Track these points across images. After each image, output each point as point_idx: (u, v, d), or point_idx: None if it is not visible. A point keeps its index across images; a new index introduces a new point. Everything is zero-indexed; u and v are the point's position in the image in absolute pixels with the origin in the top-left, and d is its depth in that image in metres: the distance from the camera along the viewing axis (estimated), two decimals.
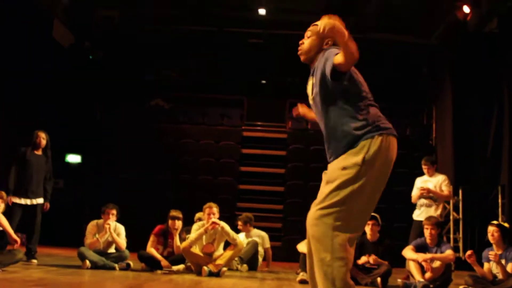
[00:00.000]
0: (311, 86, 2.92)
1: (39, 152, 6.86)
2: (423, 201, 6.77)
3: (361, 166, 2.62)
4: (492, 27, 9.76)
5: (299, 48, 2.98)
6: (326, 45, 2.89)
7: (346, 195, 2.61)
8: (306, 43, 2.96)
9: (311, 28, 2.96)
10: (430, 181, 6.83)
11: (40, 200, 6.77)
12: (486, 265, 5.54)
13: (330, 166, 2.81)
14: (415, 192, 6.88)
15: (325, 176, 2.80)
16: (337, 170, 2.68)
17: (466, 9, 10.05)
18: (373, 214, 6.22)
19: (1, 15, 8.78)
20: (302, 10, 10.73)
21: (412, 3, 11.10)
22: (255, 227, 8.03)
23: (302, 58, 2.98)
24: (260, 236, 7.79)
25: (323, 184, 2.76)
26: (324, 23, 2.49)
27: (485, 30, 10.06)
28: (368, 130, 2.69)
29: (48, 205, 6.92)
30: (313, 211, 2.69)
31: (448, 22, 10.83)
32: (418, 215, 6.77)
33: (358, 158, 2.63)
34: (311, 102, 2.96)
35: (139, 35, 12.49)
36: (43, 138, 6.86)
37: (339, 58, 2.53)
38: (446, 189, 6.79)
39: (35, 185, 6.72)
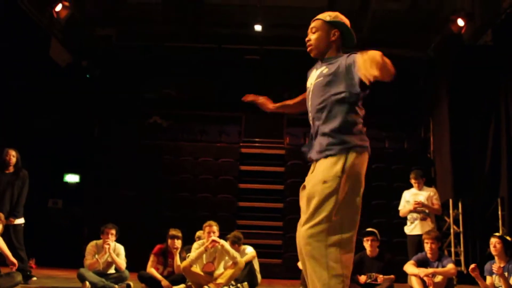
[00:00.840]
0: (319, 73, 2.92)
1: (10, 171, 6.69)
2: (415, 215, 6.73)
3: (341, 178, 2.64)
4: (487, 40, 9.82)
5: (308, 44, 2.98)
6: (334, 36, 2.93)
7: (332, 209, 2.61)
8: (313, 38, 2.96)
9: (314, 23, 2.98)
10: (421, 195, 6.79)
11: (17, 221, 6.57)
12: (488, 278, 5.50)
13: (309, 178, 2.83)
14: (404, 206, 6.85)
15: (304, 191, 2.82)
16: (318, 185, 2.67)
17: (460, 22, 10.14)
18: (371, 229, 6.21)
19: None
20: (298, 25, 10.76)
21: (408, 16, 11.20)
22: (254, 244, 7.89)
23: (313, 53, 2.99)
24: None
25: (304, 201, 2.77)
26: (364, 64, 2.50)
27: (480, 43, 10.12)
28: (352, 142, 2.73)
29: (12, 220, 6.52)
30: (304, 231, 2.68)
31: (444, 35, 10.91)
32: (412, 229, 6.74)
33: (338, 169, 2.66)
34: (310, 86, 2.96)
35: (136, 53, 12.54)
36: (12, 155, 6.64)
37: (373, 71, 2.50)
38: (436, 203, 6.78)
39: (7, 205, 6.50)
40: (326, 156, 2.74)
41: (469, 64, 9.87)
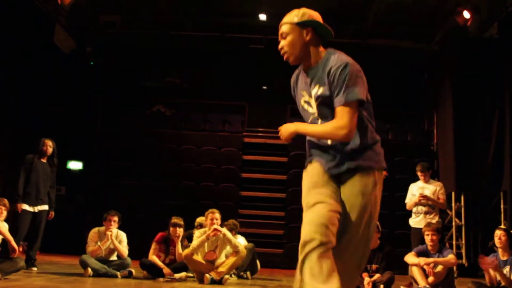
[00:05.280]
0: (314, 94, 2.68)
1: (45, 160, 6.89)
2: (420, 208, 6.72)
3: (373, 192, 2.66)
4: (493, 33, 9.77)
5: (282, 53, 2.72)
6: (307, 36, 2.66)
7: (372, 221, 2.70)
8: (285, 45, 2.69)
9: (283, 28, 2.70)
10: (427, 188, 6.77)
11: (45, 207, 6.79)
12: (491, 271, 5.52)
13: (345, 188, 2.70)
14: (410, 199, 6.85)
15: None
16: (359, 196, 2.64)
17: (466, 14, 10.08)
18: None
19: (3, 19, 8.78)
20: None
21: (412, 9, 11.13)
22: (256, 233, 7.95)
23: (291, 60, 2.73)
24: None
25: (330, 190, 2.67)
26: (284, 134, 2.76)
27: (485, 36, 10.07)
28: (379, 159, 2.72)
29: (52, 214, 6.97)
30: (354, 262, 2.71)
31: (449, 27, 10.85)
32: (417, 222, 6.74)
33: (371, 184, 2.65)
34: (311, 101, 2.73)
35: (140, 41, 12.52)
36: (49, 146, 6.91)
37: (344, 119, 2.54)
38: (442, 198, 6.77)
39: (41, 192, 6.75)
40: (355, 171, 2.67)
41: (474, 57, 9.85)
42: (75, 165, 11.92)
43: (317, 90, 2.66)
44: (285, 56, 2.71)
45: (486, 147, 9.46)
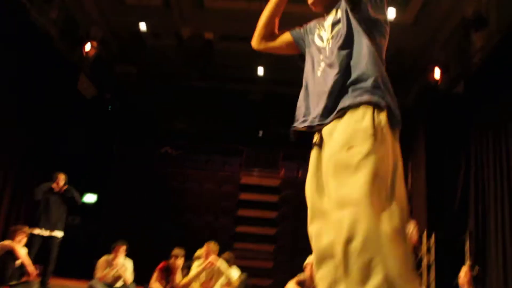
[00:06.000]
0: (330, 26, 2.14)
1: (57, 190, 6.83)
2: None
3: (375, 136, 1.76)
4: (460, 90, 9.88)
5: None
6: None
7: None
8: None
9: None
10: None
11: (59, 234, 6.67)
12: None
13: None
14: None
15: (312, 184, 1.94)
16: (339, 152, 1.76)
17: (437, 73, 10.21)
18: None
19: (32, 68, 8.85)
20: (297, 68, 10.89)
21: (389, 66, 11.29)
22: (246, 267, 7.76)
23: (318, 8, 2.24)
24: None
25: (314, 187, 1.91)
26: None
27: (454, 92, 10.18)
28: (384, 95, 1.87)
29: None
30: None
31: (421, 84, 10.98)
32: None
33: (366, 125, 1.79)
34: (323, 34, 2.18)
35: (153, 89, 12.65)
36: (61, 179, 6.87)
37: None
38: (415, 236, 6.67)
39: (54, 218, 6.65)
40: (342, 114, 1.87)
41: (444, 111, 9.94)
42: (90, 197, 11.81)
43: (334, 17, 2.14)
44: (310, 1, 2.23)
45: (454, 192, 9.43)
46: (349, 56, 1.96)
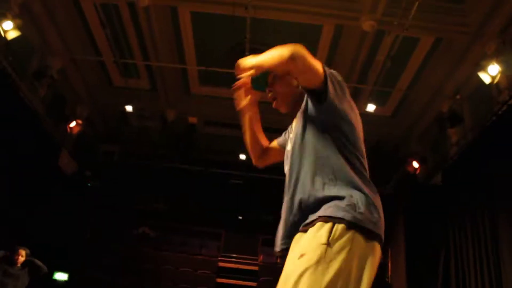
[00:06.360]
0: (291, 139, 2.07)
1: (17, 267, 6.64)
2: None
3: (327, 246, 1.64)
4: (438, 180, 10.16)
5: (273, 103, 2.16)
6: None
7: None
8: (276, 92, 2.12)
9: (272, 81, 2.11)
10: None
11: None
12: None
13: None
14: None
15: None
16: (292, 263, 1.71)
17: (415, 164, 10.54)
18: None
19: (14, 141, 8.86)
20: None
21: (371, 155, 11.61)
22: None
23: (283, 109, 2.14)
24: None
25: None
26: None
27: (431, 183, 10.45)
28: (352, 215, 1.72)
29: None
30: None
31: (401, 173, 11.26)
32: None
33: (321, 235, 1.68)
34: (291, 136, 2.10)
35: (134, 169, 12.69)
36: (21, 256, 6.70)
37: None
38: None
39: None
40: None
41: (423, 200, 10.13)
42: (61, 276, 11.36)
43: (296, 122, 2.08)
44: (274, 105, 2.17)
45: (435, 279, 9.38)
46: (307, 166, 1.87)
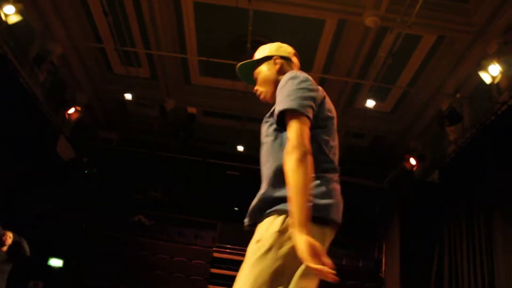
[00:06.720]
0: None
1: (3, 250, 6.63)
2: None
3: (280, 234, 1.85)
4: (435, 178, 10.23)
5: (259, 94, 2.34)
6: (276, 65, 2.27)
7: (259, 278, 1.84)
8: (259, 86, 2.33)
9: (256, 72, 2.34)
10: None
11: None
12: None
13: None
14: None
15: None
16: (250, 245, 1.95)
17: (412, 161, 10.60)
18: None
19: (11, 123, 8.88)
20: None
21: (369, 151, 11.67)
22: None
23: (267, 100, 2.32)
24: None
25: None
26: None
27: (428, 180, 10.52)
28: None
29: None
30: None
31: (398, 170, 11.33)
32: None
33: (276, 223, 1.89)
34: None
35: (132, 157, 12.72)
36: (9, 237, 6.70)
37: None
38: None
39: None
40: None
41: (419, 197, 10.22)
42: (56, 262, 11.42)
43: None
44: (261, 97, 2.36)
45: (429, 275, 9.49)
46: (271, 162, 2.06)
